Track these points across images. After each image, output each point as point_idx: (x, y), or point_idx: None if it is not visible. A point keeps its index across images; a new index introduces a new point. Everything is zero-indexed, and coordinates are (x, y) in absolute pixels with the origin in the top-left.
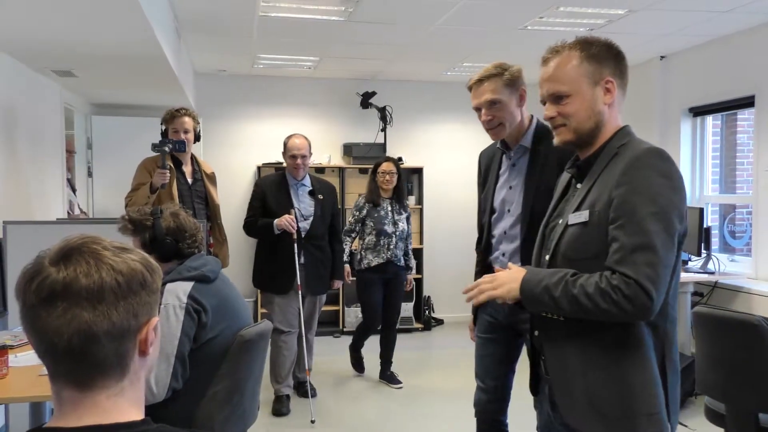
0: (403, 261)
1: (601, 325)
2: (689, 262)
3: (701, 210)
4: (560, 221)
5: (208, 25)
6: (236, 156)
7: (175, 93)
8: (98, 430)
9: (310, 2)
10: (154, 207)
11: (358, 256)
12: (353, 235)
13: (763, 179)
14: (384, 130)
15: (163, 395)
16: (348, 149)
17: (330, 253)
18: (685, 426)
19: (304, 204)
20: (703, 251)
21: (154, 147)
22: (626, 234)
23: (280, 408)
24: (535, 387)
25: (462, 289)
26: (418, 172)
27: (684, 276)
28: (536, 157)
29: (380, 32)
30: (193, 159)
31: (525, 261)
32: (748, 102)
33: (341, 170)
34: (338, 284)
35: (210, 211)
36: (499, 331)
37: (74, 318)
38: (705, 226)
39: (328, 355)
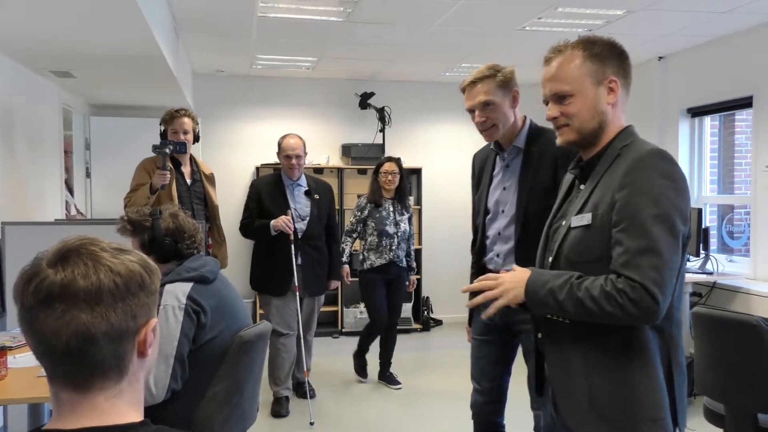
0: (405, 262)
1: (606, 329)
2: (688, 263)
3: (699, 210)
4: (563, 223)
5: (207, 26)
6: (235, 157)
7: (173, 93)
8: (97, 431)
9: (308, 3)
10: (153, 208)
11: (360, 257)
12: (354, 235)
13: (761, 179)
14: (383, 130)
15: (162, 396)
16: (347, 150)
17: (327, 253)
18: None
19: (300, 204)
20: (702, 252)
21: (155, 148)
22: (630, 237)
23: (279, 409)
24: (539, 388)
25: (461, 289)
26: (416, 172)
27: None
28: (530, 158)
29: (379, 33)
30: (192, 160)
31: (519, 261)
32: (746, 102)
33: (340, 171)
34: (335, 284)
35: (209, 212)
36: (495, 333)
37: (72, 319)
38: (703, 226)
39: (327, 355)
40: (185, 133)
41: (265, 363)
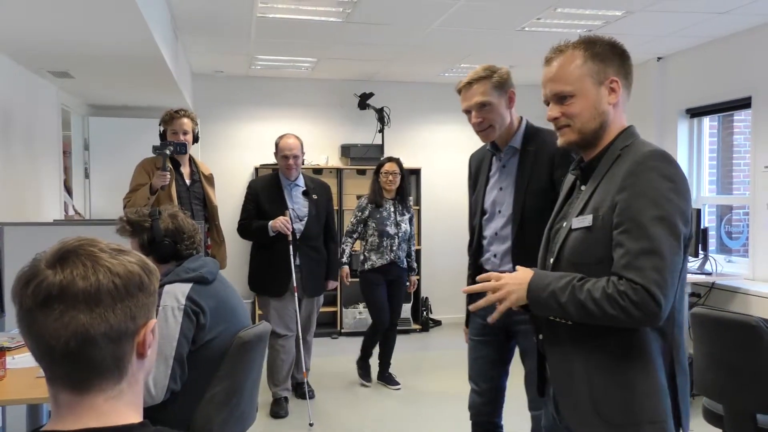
0: (405, 263)
1: (607, 331)
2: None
3: (698, 211)
4: (564, 224)
5: (206, 26)
6: (234, 157)
7: (172, 94)
8: None
9: (307, 3)
10: (152, 208)
11: (361, 257)
12: (355, 236)
13: (760, 180)
14: (382, 131)
15: (161, 397)
16: (346, 150)
17: (326, 253)
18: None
19: (298, 205)
20: (701, 252)
21: (156, 150)
22: (631, 239)
23: (278, 410)
24: (541, 388)
25: (460, 290)
26: (415, 173)
27: None
28: (526, 158)
29: (378, 33)
30: (191, 160)
31: (516, 261)
32: (744, 103)
33: (339, 171)
34: (333, 285)
35: (208, 213)
36: (492, 334)
37: (71, 321)
38: (702, 227)
39: (326, 356)
40: (185, 133)
41: (264, 364)
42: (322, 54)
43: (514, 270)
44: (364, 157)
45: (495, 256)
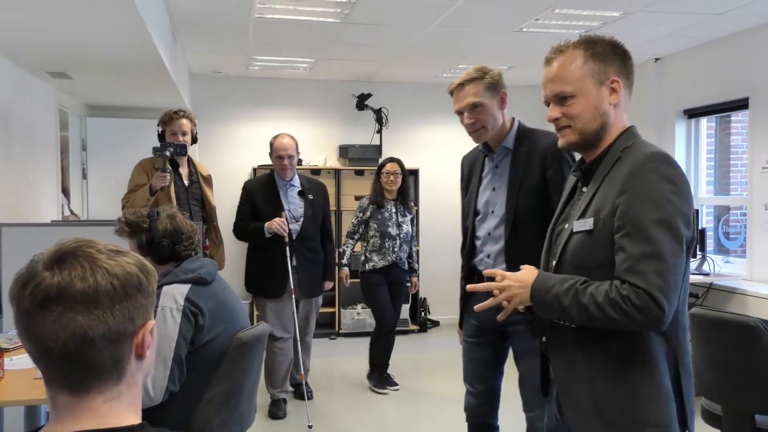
0: (407, 264)
1: (610, 334)
2: None
3: (696, 212)
4: (566, 226)
5: (204, 27)
6: (232, 158)
7: (170, 95)
8: None
9: (305, 4)
10: (150, 209)
11: (362, 258)
12: (356, 237)
13: (758, 181)
14: (380, 131)
15: (160, 398)
16: (344, 151)
17: (323, 253)
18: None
19: (294, 205)
20: (698, 253)
21: (156, 151)
22: (633, 242)
23: (276, 411)
24: (544, 388)
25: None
26: (413, 173)
27: None
28: (518, 158)
29: (376, 34)
30: (190, 161)
31: (510, 262)
32: (742, 104)
33: (337, 172)
34: (329, 285)
35: (206, 214)
36: (486, 335)
37: (69, 322)
38: (700, 227)
39: (325, 357)
40: (184, 134)
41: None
42: (320, 54)
43: (508, 270)
44: (362, 158)
45: (488, 256)
